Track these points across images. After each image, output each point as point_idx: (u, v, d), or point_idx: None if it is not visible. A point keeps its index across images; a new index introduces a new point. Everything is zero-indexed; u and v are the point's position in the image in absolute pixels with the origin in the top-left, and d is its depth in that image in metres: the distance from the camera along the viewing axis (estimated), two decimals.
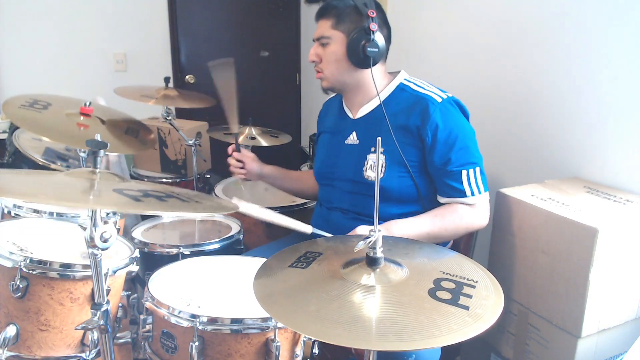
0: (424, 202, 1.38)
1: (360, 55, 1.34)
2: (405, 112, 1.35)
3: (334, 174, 1.48)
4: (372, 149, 1.39)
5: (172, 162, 2.51)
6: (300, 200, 1.93)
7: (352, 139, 1.45)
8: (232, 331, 1.06)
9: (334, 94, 1.58)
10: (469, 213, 1.34)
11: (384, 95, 1.41)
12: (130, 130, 1.64)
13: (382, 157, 1.35)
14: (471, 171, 1.33)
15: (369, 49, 1.32)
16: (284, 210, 1.91)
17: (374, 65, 1.35)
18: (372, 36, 1.32)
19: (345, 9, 1.36)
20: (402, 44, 2.31)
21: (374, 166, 1.37)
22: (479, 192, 1.34)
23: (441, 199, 1.38)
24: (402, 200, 1.38)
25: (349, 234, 1.28)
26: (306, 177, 1.75)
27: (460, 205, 1.34)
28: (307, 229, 1.31)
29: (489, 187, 1.38)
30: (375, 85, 1.38)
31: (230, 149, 1.67)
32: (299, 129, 4.04)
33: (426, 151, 1.34)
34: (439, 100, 1.34)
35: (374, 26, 1.32)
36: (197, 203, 0.95)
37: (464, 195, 1.33)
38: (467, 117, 1.40)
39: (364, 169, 1.39)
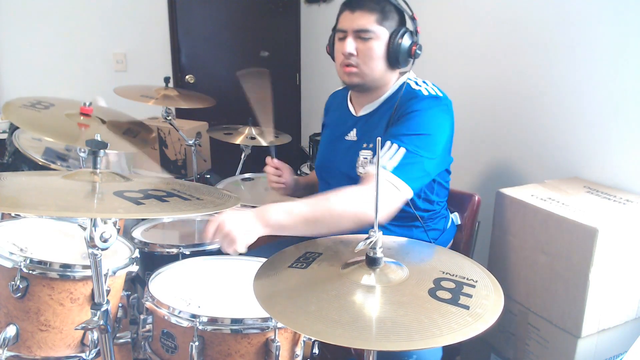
0: (414, 201, 1.35)
1: (404, 57, 1.33)
2: (399, 108, 1.35)
3: (332, 169, 1.49)
4: (364, 145, 1.39)
5: (172, 162, 2.51)
6: None
7: (352, 135, 1.46)
8: (232, 331, 1.06)
9: (342, 87, 1.57)
10: (360, 196, 1.17)
11: (388, 93, 1.41)
12: (130, 130, 1.63)
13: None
14: (399, 149, 1.22)
15: (417, 51, 1.33)
16: None
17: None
18: (418, 39, 1.34)
19: (388, 5, 1.32)
20: None
21: (365, 162, 1.37)
22: (386, 169, 1.19)
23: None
24: None
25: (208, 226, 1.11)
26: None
27: (352, 187, 1.22)
28: None
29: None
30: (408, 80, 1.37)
31: (268, 159, 1.61)
32: (299, 129, 4.04)
33: None
34: (426, 94, 1.33)
35: (419, 29, 1.34)
36: (198, 201, 0.95)
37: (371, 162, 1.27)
38: (452, 121, 1.36)
39: (357, 165, 1.39)
